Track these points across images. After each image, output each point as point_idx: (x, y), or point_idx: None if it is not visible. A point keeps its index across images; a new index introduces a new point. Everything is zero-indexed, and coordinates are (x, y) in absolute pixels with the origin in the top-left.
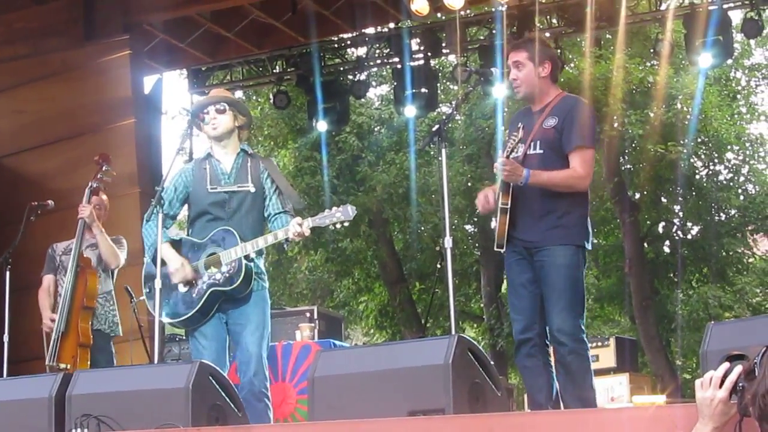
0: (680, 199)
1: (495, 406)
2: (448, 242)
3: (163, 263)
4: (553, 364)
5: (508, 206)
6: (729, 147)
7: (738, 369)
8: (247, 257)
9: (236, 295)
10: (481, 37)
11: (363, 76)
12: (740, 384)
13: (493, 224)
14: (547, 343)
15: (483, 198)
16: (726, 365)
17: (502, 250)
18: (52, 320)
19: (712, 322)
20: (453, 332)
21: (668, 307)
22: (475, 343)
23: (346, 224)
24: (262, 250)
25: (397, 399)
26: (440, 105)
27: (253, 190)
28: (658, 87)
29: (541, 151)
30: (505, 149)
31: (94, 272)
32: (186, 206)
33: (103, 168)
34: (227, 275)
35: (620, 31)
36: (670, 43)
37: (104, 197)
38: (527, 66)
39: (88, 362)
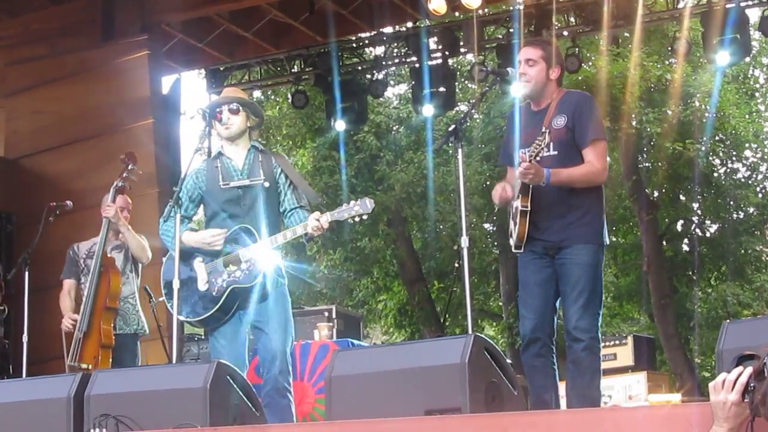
0: (698, 197)
1: (511, 405)
2: (464, 242)
3: (187, 259)
4: (557, 365)
5: (528, 209)
6: (747, 145)
7: (748, 370)
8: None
9: (256, 293)
10: (499, 36)
11: (381, 76)
12: (751, 384)
13: (511, 227)
14: (554, 343)
15: (500, 189)
16: (739, 369)
17: (521, 251)
18: (73, 320)
19: (728, 321)
20: (470, 332)
21: (687, 305)
22: (492, 342)
23: (365, 217)
24: (280, 247)
25: (414, 398)
26: (458, 104)
27: (267, 184)
28: (676, 85)
29: (556, 152)
30: (529, 152)
31: (117, 272)
32: (202, 207)
33: (129, 167)
34: (247, 272)
35: (637, 29)
36: (688, 41)
37: (128, 199)
38: (539, 65)
39: (110, 363)
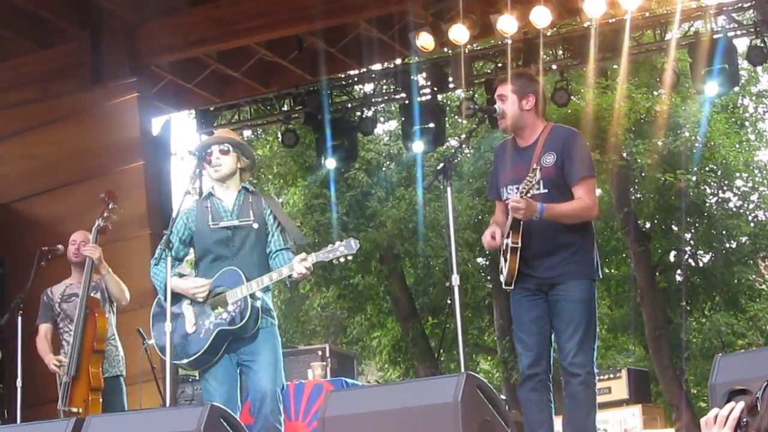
0: (691, 227)
1: None
2: (455, 280)
3: (174, 302)
4: (553, 401)
5: (519, 245)
6: (738, 174)
7: (740, 405)
8: (252, 296)
9: (243, 334)
10: (488, 71)
11: (370, 113)
12: (743, 420)
13: (501, 263)
14: (550, 380)
15: (489, 236)
16: (731, 404)
17: (511, 288)
18: (59, 361)
19: (720, 354)
20: (462, 369)
21: (681, 336)
22: (484, 380)
23: (350, 258)
24: (269, 287)
25: None
26: (448, 139)
27: (256, 226)
28: (665, 116)
29: (546, 191)
30: (520, 189)
31: (103, 314)
32: (192, 248)
33: (110, 206)
34: (233, 314)
35: (624, 61)
36: (675, 72)
37: (90, 237)
38: (511, 98)
39: (100, 406)
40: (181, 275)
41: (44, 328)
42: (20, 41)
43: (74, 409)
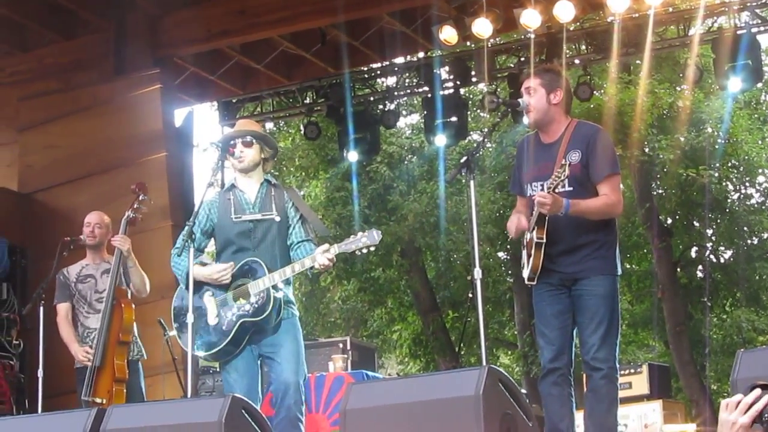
0: (712, 223)
1: None
2: (477, 274)
3: (196, 293)
4: (574, 395)
5: (544, 241)
6: (760, 170)
7: (766, 398)
8: (274, 287)
9: (266, 325)
10: (511, 65)
11: (393, 106)
12: (765, 415)
13: (524, 258)
14: (571, 374)
15: (516, 221)
16: (758, 391)
17: (533, 283)
18: (87, 353)
19: (742, 350)
20: (484, 363)
21: (702, 332)
22: (506, 373)
23: (372, 249)
24: (290, 279)
25: (428, 431)
26: (471, 133)
27: (278, 219)
28: (688, 111)
29: (571, 188)
30: (548, 184)
31: (130, 305)
32: (213, 239)
33: (140, 197)
34: (256, 306)
35: (647, 56)
36: (698, 67)
37: (106, 218)
38: (539, 92)
39: (124, 397)
40: (203, 264)
41: (64, 308)
42: (43, 32)
43: (98, 400)
